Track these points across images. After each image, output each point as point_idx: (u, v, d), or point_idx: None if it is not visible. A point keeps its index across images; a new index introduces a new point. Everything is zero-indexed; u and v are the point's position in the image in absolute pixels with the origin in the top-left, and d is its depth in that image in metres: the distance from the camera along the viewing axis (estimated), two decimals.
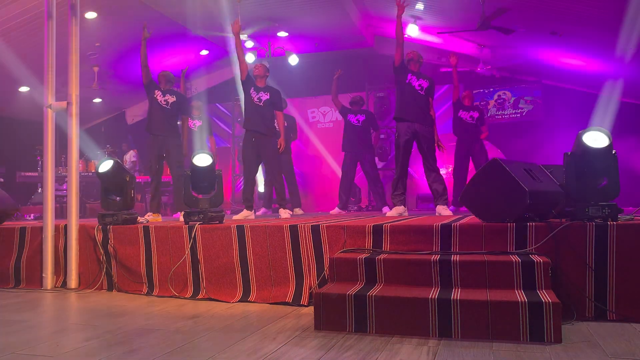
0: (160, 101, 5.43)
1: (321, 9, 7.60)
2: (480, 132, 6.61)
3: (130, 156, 9.41)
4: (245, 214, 4.84)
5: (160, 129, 5.37)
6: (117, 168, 3.90)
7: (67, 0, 4.10)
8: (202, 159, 3.74)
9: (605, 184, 2.79)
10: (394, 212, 4.72)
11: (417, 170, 8.82)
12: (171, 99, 5.47)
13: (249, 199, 4.94)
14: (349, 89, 9.25)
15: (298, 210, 6.47)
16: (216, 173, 3.78)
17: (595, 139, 2.78)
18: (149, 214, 5.17)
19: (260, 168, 5.44)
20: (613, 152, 2.80)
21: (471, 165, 6.62)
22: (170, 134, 5.40)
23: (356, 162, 6.57)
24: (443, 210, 4.69)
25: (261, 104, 5.03)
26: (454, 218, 3.66)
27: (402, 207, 4.76)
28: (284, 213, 4.95)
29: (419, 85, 4.84)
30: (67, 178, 4.10)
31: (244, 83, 5.08)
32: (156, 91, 5.46)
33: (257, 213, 6.18)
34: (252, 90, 5.06)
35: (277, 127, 5.24)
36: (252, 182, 5.06)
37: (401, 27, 4.73)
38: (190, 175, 3.77)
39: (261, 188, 7.57)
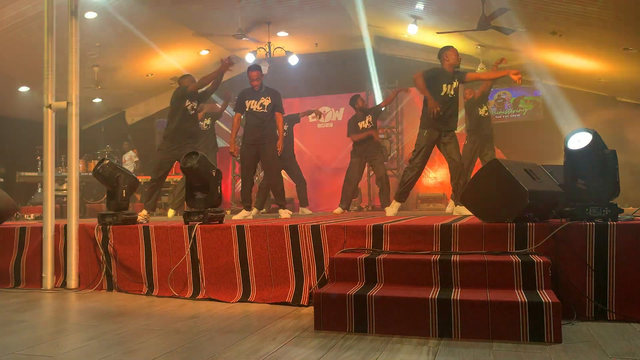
0: (190, 109, 5.26)
1: (321, 9, 7.60)
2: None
3: (130, 156, 9.40)
4: (243, 214, 4.84)
5: (187, 137, 5.24)
6: (110, 168, 3.89)
7: (67, 0, 4.10)
8: (187, 160, 3.72)
9: (602, 183, 2.79)
10: (394, 210, 4.72)
11: None
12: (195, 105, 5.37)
13: (247, 200, 4.94)
14: (348, 89, 9.25)
15: (306, 210, 6.49)
16: (210, 173, 3.74)
17: (579, 139, 2.83)
18: (143, 211, 5.14)
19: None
20: (610, 152, 2.80)
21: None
22: (194, 138, 5.34)
23: (364, 164, 6.66)
24: (464, 210, 4.60)
25: (265, 109, 4.98)
26: (454, 218, 3.66)
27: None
28: (284, 213, 4.95)
29: (453, 88, 4.70)
30: (67, 178, 4.10)
31: (237, 103, 5.06)
32: (187, 101, 5.24)
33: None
34: (249, 101, 4.99)
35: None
36: (251, 183, 5.05)
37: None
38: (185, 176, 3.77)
39: None
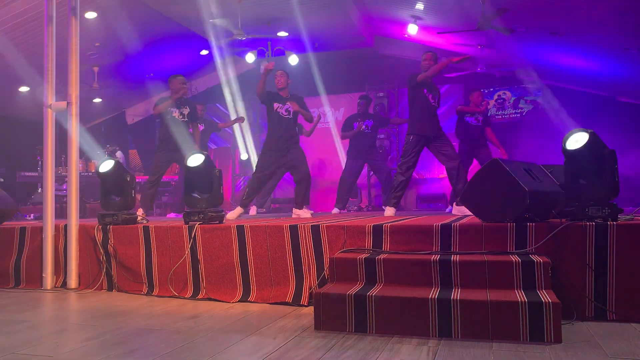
0: (177, 116, 5.35)
1: (321, 9, 7.60)
2: (485, 135, 6.60)
3: (118, 156, 9.39)
4: (238, 211, 4.82)
5: (177, 144, 5.30)
6: (118, 168, 3.90)
7: (67, 0, 4.10)
8: (194, 160, 3.72)
9: (600, 183, 2.79)
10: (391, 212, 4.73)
11: (416, 170, 8.82)
12: (186, 110, 5.42)
13: (249, 200, 4.93)
14: (349, 89, 9.25)
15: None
16: (213, 173, 3.74)
17: (577, 140, 2.85)
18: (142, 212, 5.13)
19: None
20: (609, 151, 2.80)
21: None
22: (184, 144, 5.36)
23: (362, 166, 6.67)
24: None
25: (290, 115, 4.95)
26: (454, 218, 3.66)
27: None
28: (305, 213, 4.83)
29: (432, 98, 4.87)
30: (67, 178, 4.10)
31: (261, 97, 4.98)
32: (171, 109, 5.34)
33: (250, 213, 6.21)
34: (275, 104, 4.94)
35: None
36: (260, 189, 5.02)
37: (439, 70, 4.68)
38: (186, 175, 3.77)
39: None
